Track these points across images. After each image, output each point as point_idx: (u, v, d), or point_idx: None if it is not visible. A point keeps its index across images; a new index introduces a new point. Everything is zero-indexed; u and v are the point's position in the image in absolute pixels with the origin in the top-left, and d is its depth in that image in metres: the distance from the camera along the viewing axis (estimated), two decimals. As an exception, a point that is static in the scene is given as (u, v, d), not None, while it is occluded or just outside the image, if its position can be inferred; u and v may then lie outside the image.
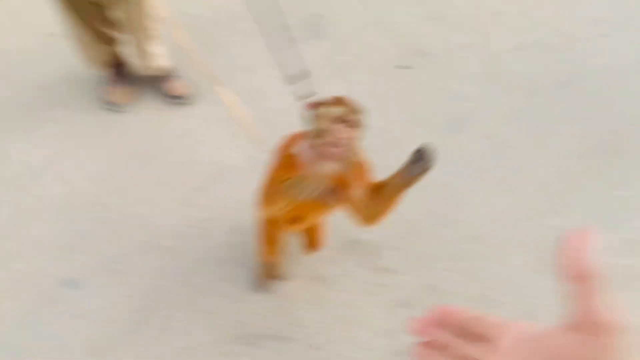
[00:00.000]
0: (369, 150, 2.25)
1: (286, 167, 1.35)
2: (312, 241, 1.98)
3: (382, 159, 2.36)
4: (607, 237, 2.16)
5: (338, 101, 1.22)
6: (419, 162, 1.26)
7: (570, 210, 2.25)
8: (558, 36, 3.14)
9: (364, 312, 1.93)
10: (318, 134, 1.21)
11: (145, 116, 2.58)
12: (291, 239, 2.02)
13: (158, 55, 2.50)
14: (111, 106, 2.53)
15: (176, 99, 2.57)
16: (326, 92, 2.60)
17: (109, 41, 2.40)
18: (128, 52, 2.54)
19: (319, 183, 1.33)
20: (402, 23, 3.25)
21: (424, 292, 1.99)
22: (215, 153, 2.41)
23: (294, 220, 1.58)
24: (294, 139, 1.36)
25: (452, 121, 2.65)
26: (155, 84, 2.62)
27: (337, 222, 2.17)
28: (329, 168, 1.30)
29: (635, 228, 2.19)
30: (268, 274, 1.93)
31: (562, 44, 3.08)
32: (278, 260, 1.90)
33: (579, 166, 2.43)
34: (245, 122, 1.66)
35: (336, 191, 1.36)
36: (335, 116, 1.18)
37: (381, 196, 1.35)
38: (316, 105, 1.23)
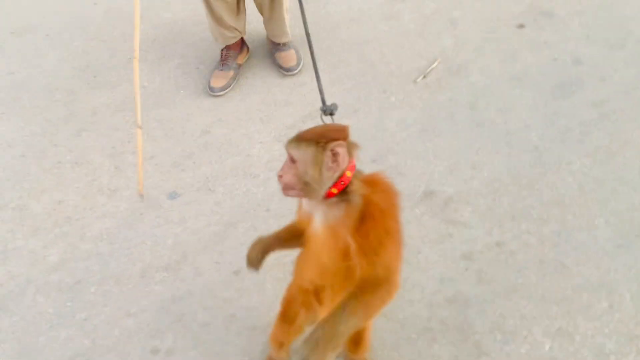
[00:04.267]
0: (472, 105, 2.25)
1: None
2: (353, 342, 1.53)
3: (484, 116, 2.34)
4: None
5: (307, 132, 1.13)
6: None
7: (676, 189, 2.04)
8: None
9: (425, 257, 1.96)
10: None
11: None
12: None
13: (286, 23, 2.66)
14: (213, 92, 2.63)
15: (289, 70, 2.69)
16: (435, 44, 2.61)
17: (241, 15, 2.60)
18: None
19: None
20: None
21: (491, 249, 1.97)
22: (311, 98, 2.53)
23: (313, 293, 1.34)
24: None
25: (562, 85, 2.49)
26: (272, 54, 2.77)
27: (413, 169, 2.21)
28: (303, 206, 1.21)
29: None
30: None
31: None
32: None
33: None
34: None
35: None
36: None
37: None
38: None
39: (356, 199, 1.10)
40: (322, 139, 1.08)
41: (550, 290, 1.83)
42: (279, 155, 2.34)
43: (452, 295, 1.86)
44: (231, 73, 2.68)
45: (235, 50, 2.72)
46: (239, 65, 2.74)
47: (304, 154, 1.09)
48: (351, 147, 1.13)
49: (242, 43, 2.76)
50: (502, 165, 2.21)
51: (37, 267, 2.06)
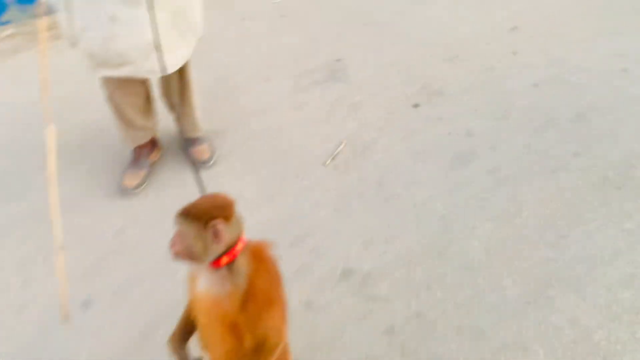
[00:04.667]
0: (379, 182, 2.37)
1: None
2: None
3: (391, 191, 2.46)
4: (605, 269, 2.11)
5: (203, 197, 1.21)
6: None
7: (568, 243, 2.22)
8: (577, 72, 3.15)
9: (349, 337, 1.98)
10: None
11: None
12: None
13: (198, 118, 2.74)
14: (126, 191, 2.62)
15: (201, 164, 2.74)
16: (340, 128, 2.76)
17: (151, 114, 2.66)
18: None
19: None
20: (419, 64, 3.37)
21: (411, 321, 2.02)
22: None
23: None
24: None
25: (459, 156, 2.69)
26: (185, 149, 2.82)
27: (330, 249, 2.27)
28: (203, 283, 1.24)
29: (635, 262, 2.12)
30: None
31: (578, 80, 3.08)
32: None
33: (581, 199, 2.40)
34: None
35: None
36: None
37: None
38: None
39: (241, 278, 1.18)
40: (205, 217, 1.14)
41: (470, 356, 1.89)
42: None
43: (379, 373, 1.87)
44: (144, 172, 2.69)
45: (147, 149, 2.75)
46: (152, 164, 2.76)
47: (189, 229, 1.15)
48: (237, 222, 1.20)
49: (153, 141, 2.79)
50: (413, 237, 2.31)
51: None
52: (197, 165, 2.75)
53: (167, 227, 2.39)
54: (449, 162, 2.67)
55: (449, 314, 2.02)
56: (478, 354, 1.89)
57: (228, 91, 3.31)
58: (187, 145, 2.82)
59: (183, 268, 2.17)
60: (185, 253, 1.17)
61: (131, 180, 2.65)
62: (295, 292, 2.12)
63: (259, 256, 1.24)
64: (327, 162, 2.73)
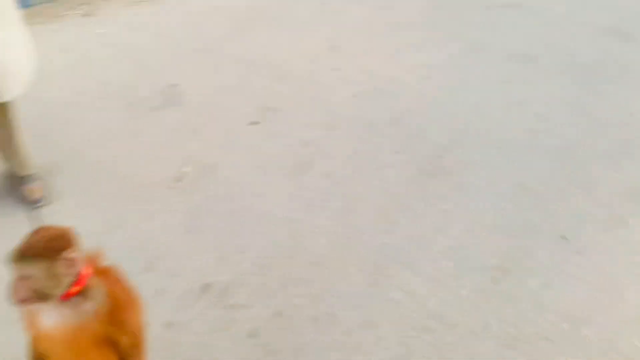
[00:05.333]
0: (225, 198, 2.45)
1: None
2: None
3: (238, 204, 2.57)
4: (430, 245, 2.45)
5: (30, 234, 1.17)
6: None
7: (399, 228, 2.53)
8: (389, 82, 3.58)
9: (216, 348, 2.03)
10: None
11: None
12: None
13: (27, 155, 2.59)
14: None
15: (34, 203, 2.59)
16: (182, 151, 2.80)
17: None
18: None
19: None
20: (252, 85, 3.55)
21: (271, 320, 2.13)
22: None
23: None
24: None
25: (297, 165, 2.91)
26: (14, 188, 2.65)
27: (185, 267, 2.31)
28: (47, 319, 1.22)
29: (453, 235, 2.50)
30: None
31: (391, 89, 3.51)
32: None
33: (405, 190, 2.75)
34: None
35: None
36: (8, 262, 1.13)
37: None
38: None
39: (100, 296, 1.22)
40: (51, 251, 1.13)
41: (327, 341, 2.07)
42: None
43: (248, 376, 1.95)
44: None
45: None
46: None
47: (36, 270, 1.11)
48: (79, 245, 1.20)
49: None
50: (264, 243, 2.45)
51: None
52: (29, 204, 2.59)
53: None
54: (289, 171, 2.86)
55: (304, 308, 2.19)
56: (332, 338, 2.07)
57: (60, 125, 3.15)
58: (18, 184, 2.65)
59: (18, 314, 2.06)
60: (34, 296, 1.13)
61: None
62: (155, 315, 2.09)
63: (103, 271, 1.28)
64: (172, 185, 2.76)
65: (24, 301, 1.14)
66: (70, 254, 1.15)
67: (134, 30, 4.20)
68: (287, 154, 2.99)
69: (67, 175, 2.80)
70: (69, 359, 1.26)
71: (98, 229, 2.49)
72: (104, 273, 1.28)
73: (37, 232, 1.17)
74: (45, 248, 1.13)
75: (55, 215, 2.55)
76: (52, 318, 1.20)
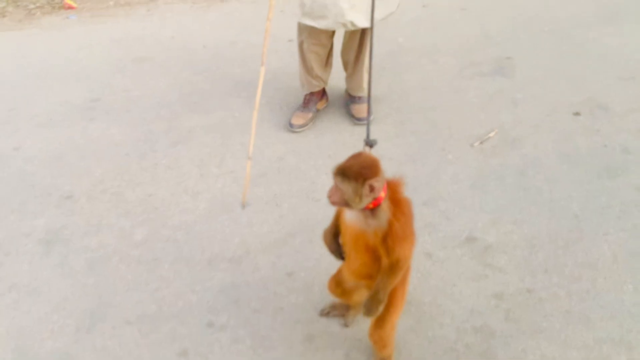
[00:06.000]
0: (521, 172, 2.48)
1: None
2: (380, 344, 1.83)
3: (531, 183, 2.58)
4: None
5: (351, 157, 1.46)
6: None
7: None
8: None
9: (459, 291, 2.16)
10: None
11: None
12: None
13: (365, 79, 3.07)
14: (293, 128, 3.02)
15: (360, 120, 3.07)
16: (491, 124, 2.91)
17: (327, 68, 3.05)
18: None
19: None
20: (589, 77, 3.37)
21: (521, 293, 2.14)
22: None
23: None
24: None
25: (608, 168, 2.70)
26: (346, 105, 3.18)
27: (459, 216, 2.45)
28: (348, 214, 1.57)
29: None
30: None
31: None
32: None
33: None
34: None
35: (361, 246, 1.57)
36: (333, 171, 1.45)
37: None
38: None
39: (383, 220, 1.48)
40: (361, 176, 1.40)
41: (572, 337, 1.98)
42: (342, 186, 2.65)
43: (479, 326, 2.03)
44: (310, 115, 3.08)
45: (317, 97, 3.14)
46: (318, 110, 3.14)
47: (348, 186, 1.42)
48: (382, 176, 1.46)
49: (323, 92, 3.18)
50: (542, 226, 2.41)
51: (123, 242, 2.41)
52: (354, 119, 3.08)
53: (319, 162, 2.76)
54: (597, 171, 2.69)
55: (560, 298, 2.12)
56: (580, 338, 1.97)
57: (397, 65, 3.59)
58: (349, 101, 3.16)
59: (323, 193, 2.53)
60: (341, 202, 1.46)
61: (298, 119, 3.06)
62: (420, 243, 2.34)
63: (396, 201, 1.51)
64: (475, 144, 2.89)
65: (334, 203, 1.49)
66: (373, 182, 1.41)
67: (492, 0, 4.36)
68: (602, 154, 2.80)
69: (388, 108, 3.20)
70: (351, 245, 1.64)
71: (397, 158, 2.82)
72: (398, 202, 1.52)
73: (356, 156, 1.46)
74: (357, 173, 1.41)
75: (370, 135, 2.98)
76: (351, 216, 1.56)
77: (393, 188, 1.53)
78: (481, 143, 2.90)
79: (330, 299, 2.07)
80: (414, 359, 1.94)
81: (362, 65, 3.02)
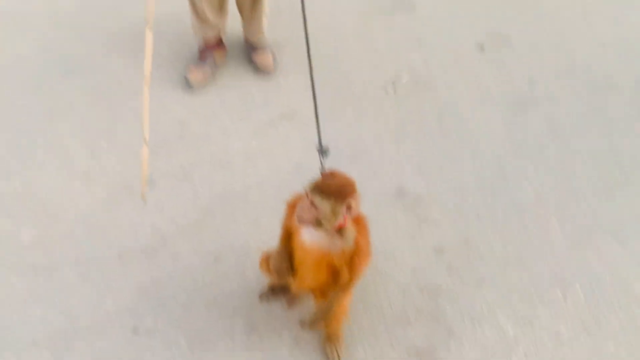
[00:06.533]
0: (438, 116, 2.38)
1: (288, 220, 1.58)
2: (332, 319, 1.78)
3: (449, 126, 2.51)
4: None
5: (326, 176, 1.43)
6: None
7: (616, 199, 2.28)
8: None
9: (400, 250, 2.08)
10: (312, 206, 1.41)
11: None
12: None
13: (264, 25, 2.76)
14: (190, 85, 2.70)
15: (265, 71, 2.79)
16: (401, 67, 2.78)
17: (223, 14, 2.68)
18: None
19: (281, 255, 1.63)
20: (490, 8, 3.33)
21: (459, 245, 2.11)
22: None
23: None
24: (298, 198, 1.52)
25: (518, 103, 2.72)
26: (249, 55, 2.85)
27: (385, 169, 2.35)
28: (307, 235, 1.51)
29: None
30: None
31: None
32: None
33: (636, 162, 2.44)
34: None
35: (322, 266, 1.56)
36: (307, 190, 1.41)
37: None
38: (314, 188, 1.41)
39: (350, 239, 1.48)
40: (340, 196, 1.39)
41: (513, 282, 2.00)
42: (257, 149, 2.41)
43: (424, 285, 1.98)
44: (208, 70, 2.73)
45: (213, 49, 2.78)
46: (217, 65, 2.80)
47: (326, 205, 1.39)
48: (358, 194, 1.45)
49: (220, 42, 2.82)
50: (467, 170, 2.38)
51: (8, 247, 2.01)
52: (259, 72, 2.80)
53: (228, 124, 2.47)
54: (509, 107, 2.69)
55: (495, 244, 2.12)
56: (520, 281, 2.00)
57: (293, 6, 3.29)
58: (250, 51, 2.86)
59: (238, 159, 2.27)
60: (312, 222, 1.42)
61: (195, 76, 2.70)
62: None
63: (357, 219, 1.51)
64: (389, 89, 2.76)
65: (304, 222, 1.42)
66: (352, 201, 1.40)
67: None
68: (510, 88, 2.80)
69: (293, 55, 2.94)
70: (310, 265, 1.58)
71: (311, 113, 2.61)
72: (358, 220, 1.52)
73: (332, 175, 1.44)
74: (337, 192, 1.38)
75: (277, 90, 2.73)
76: (312, 237, 1.50)
77: (356, 218, 1.53)
78: (394, 89, 2.78)
79: (266, 281, 1.90)
80: (366, 331, 1.85)
81: (260, 6, 2.70)
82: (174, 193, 2.23)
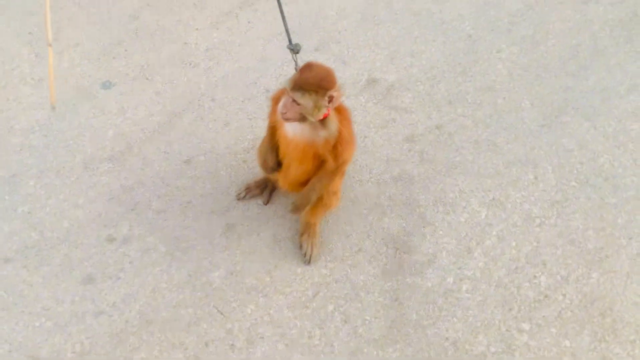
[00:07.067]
0: (407, 4, 2.19)
1: (273, 114, 1.57)
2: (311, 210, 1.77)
3: (420, 5, 2.40)
4: (618, 102, 2.18)
5: (304, 70, 1.41)
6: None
7: (587, 74, 2.26)
8: None
9: (371, 141, 2.06)
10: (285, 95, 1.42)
11: None
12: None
13: None
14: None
15: None
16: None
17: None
18: None
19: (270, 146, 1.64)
20: None
21: (431, 132, 2.09)
22: None
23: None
24: (281, 92, 1.50)
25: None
26: None
27: (355, 57, 2.25)
28: (291, 128, 1.52)
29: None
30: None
31: None
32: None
33: (607, 34, 2.39)
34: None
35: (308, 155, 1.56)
36: (286, 87, 1.40)
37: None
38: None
39: (333, 129, 1.49)
40: (321, 89, 1.39)
41: (485, 166, 2.01)
42: (218, 42, 2.26)
43: (397, 174, 1.98)
44: None
45: None
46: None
47: (308, 100, 1.39)
48: (338, 84, 1.45)
49: None
50: (439, 53, 2.30)
51: (-39, 162, 1.90)
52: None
53: (185, 16, 2.30)
54: (482, -18, 2.55)
55: (467, 128, 2.11)
56: (492, 165, 2.01)
57: None
58: None
59: (199, 54, 2.14)
60: (296, 117, 1.43)
61: None
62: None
63: (339, 109, 1.52)
64: (355, -32, 2.56)
65: (288, 119, 1.43)
66: (333, 92, 1.40)
67: None
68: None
69: None
70: (295, 157, 1.59)
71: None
72: (341, 110, 1.53)
73: (309, 68, 1.42)
74: (317, 85, 1.38)
75: None
76: (295, 130, 1.51)
77: (339, 107, 1.54)
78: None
79: (240, 180, 1.87)
80: (342, 222, 1.87)
81: None
82: (136, 95, 2.11)
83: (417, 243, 1.82)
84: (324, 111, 1.43)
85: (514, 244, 1.82)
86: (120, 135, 2.01)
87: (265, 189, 1.88)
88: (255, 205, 1.88)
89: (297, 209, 1.66)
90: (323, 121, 1.48)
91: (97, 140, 1.99)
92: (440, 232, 1.85)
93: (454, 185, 1.97)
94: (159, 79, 2.16)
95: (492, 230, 1.85)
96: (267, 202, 1.88)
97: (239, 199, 1.87)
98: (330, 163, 1.55)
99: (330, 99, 1.41)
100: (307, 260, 1.75)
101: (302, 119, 1.44)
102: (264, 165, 1.69)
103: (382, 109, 2.15)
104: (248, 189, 1.88)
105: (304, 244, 1.78)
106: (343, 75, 2.22)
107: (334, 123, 1.49)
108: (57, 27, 2.28)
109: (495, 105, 2.17)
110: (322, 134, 1.50)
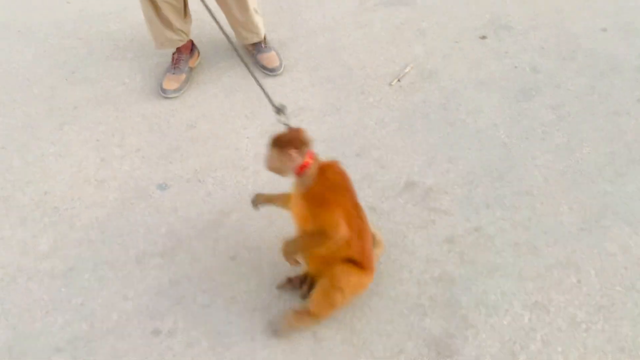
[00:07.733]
0: (443, 106, 2.42)
1: None
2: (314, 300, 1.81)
3: (455, 116, 2.53)
4: (661, 207, 2.19)
5: (286, 130, 1.65)
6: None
7: (625, 180, 2.30)
8: (646, 22, 3.12)
9: (411, 241, 2.10)
10: None
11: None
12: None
13: (259, 25, 2.74)
14: (166, 94, 2.68)
15: (273, 71, 2.79)
16: (404, 59, 2.78)
17: (187, 18, 2.65)
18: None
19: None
20: (487, -3, 3.34)
21: (470, 234, 2.13)
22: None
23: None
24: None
25: (523, 90, 2.73)
26: (253, 56, 2.85)
27: (394, 162, 2.37)
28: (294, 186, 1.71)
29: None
30: None
31: (649, 29, 3.06)
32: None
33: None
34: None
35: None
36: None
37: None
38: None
39: (308, 182, 1.63)
40: (283, 147, 1.58)
41: (525, 269, 2.01)
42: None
43: (438, 275, 2.00)
44: (183, 76, 2.72)
45: (186, 54, 2.76)
46: (191, 69, 2.78)
47: (272, 154, 1.62)
48: (305, 144, 1.61)
49: (192, 46, 2.81)
50: (475, 159, 2.40)
51: (27, 256, 2.04)
52: (266, 70, 2.81)
53: (237, 125, 2.51)
54: (514, 95, 2.71)
55: (506, 231, 2.14)
56: (533, 268, 2.01)
57: (293, 4, 3.31)
58: (255, 52, 2.85)
59: (249, 159, 2.31)
60: (272, 168, 1.66)
61: (170, 84, 2.68)
62: (362, 197, 2.21)
63: (323, 170, 1.64)
64: (393, 83, 2.78)
65: (268, 169, 1.67)
66: (292, 152, 1.57)
67: None
68: (514, 76, 2.82)
69: (296, 53, 2.96)
70: (293, 213, 1.77)
71: (318, 108, 2.64)
72: (324, 169, 1.64)
73: (289, 130, 1.64)
74: (282, 143, 1.59)
75: (282, 89, 2.74)
76: (293, 184, 1.71)
77: (325, 164, 1.66)
78: (399, 80, 2.79)
79: (282, 275, 1.93)
80: (383, 321, 1.87)
81: (248, 5, 2.66)
82: (188, 196, 2.26)
83: (460, 346, 1.79)
84: (290, 167, 1.61)
85: (559, 349, 1.77)
86: (171, 232, 2.12)
87: (304, 283, 1.92)
88: (296, 300, 1.91)
89: (285, 249, 1.73)
90: (302, 177, 1.63)
91: (150, 236, 2.11)
92: (483, 335, 1.82)
93: (495, 288, 1.96)
94: (210, 180, 2.32)
95: (536, 335, 1.81)
96: (304, 297, 1.91)
97: (278, 288, 1.92)
98: (308, 225, 1.67)
99: (289, 157, 1.57)
100: (274, 329, 1.82)
101: (278, 171, 1.65)
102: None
103: (420, 210, 2.21)
104: (289, 281, 1.93)
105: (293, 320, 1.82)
106: (382, 179, 2.33)
107: (308, 179, 1.62)
108: (121, 134, 2.51)
109: (533, 209, 2.21)
110: (301, 189, 1.65)
